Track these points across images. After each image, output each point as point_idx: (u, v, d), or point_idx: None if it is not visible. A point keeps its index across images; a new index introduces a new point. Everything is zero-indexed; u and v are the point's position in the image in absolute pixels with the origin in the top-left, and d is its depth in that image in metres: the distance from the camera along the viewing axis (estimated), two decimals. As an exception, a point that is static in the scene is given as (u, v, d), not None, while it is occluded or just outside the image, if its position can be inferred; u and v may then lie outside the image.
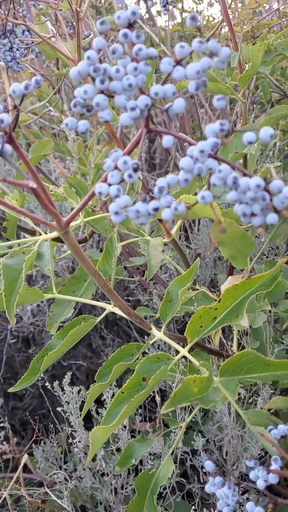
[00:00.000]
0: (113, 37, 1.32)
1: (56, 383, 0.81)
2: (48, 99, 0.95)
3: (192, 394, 0.39)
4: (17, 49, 0.88)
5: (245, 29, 0.88)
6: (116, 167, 0.31)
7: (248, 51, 0.72)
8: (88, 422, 1.05)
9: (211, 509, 0.77)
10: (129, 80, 0.30)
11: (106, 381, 0.52)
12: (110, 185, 0.32)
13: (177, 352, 0.53)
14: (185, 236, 1.29)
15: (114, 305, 0.55)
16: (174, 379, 0.61)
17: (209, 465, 0.44)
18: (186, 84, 0.88)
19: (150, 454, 0.82)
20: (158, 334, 0.55)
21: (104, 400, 0.81)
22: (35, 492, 0.86)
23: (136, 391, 0.46)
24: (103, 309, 0.79)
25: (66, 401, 0.79)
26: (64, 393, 0.79)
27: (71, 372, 0.84)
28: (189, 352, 0.53)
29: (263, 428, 0.43)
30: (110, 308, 0.57)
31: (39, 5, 0.96)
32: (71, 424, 0.83)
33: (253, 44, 0.72)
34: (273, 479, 0.39)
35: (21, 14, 0.78)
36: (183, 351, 0.51)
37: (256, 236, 1.02)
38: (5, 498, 0.83)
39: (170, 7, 1.15)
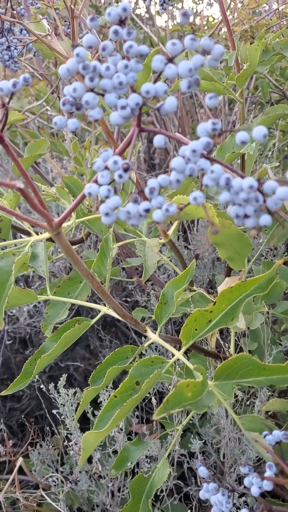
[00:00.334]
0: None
1: (51, 385, 0.80)
2: (45, 98, 0.95)
3: (185, 399, 0.38)
4: (15, 48, 0.87)
5: (242, 27, 0.87)
6: (106, 167, 0.31)
7: (246, 51, 0.71)
8: (85, 423, 1.04)
9: (208, 512, 0.76)
10: (120, 78, 0.30)
11: (100, 385, 0.51)
12: (100, 185, 0.31)
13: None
14: (183, 236, 1.28)
15: (109, 308, 0.55)
16: (171, 381, 0.60)
17: (203, 471, 0.44)
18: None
19: (146, 456, 0.81)
20: (153, 337, 0.54)
21: (101, 402, 0.80)
22: (30, 495, 0.85)
23: (129, 395, 0.45)
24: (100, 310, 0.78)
25: (61, 404, 0.79)
26: (60, 395, 0.78)
27: (67, 374, 0.83)
28: (185, 354, 0.52)
29: (257, 434, 0.42)
30: (104, 310, 0.56)
31: (37, 3, 0.96)
32: (67, 426, 0.83)
33: (251, 44, 0.71)
34: (267, 486, 0.38)
35: (16, 12, 0.77)
36: (178, 354, 0.50)
37: (254, 237, 1.01)
38: (0, 501, 0.82)
39: (170, 7, 1.14)
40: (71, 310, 1.18)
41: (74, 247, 0.94)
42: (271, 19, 1.14)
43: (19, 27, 0.93)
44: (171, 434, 0.79)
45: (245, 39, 1.08)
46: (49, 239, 0.70)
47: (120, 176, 0.30)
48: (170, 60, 0.30)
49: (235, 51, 0.73)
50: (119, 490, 0.86)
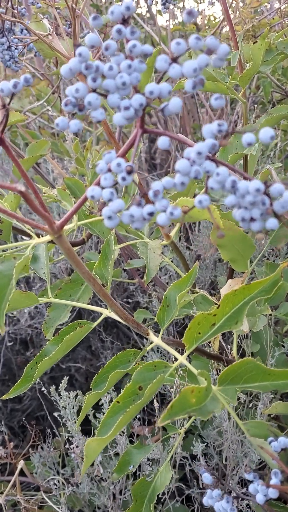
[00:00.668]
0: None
1: (52, 388, 0.79)
2: (46, 98, 0.94)
3: (190, 405, 0.37)
4: (16, 48, 0.86)
5: (245, 27, 0.86)
6: (109, 170, 0.30)
7: (249, 50, 0.70)
8: (86, 424, 1.03)
9: (210, 516, 0.75)
10: (123, 78, 0.29)
11: (102, 389, 0.50)
12: (103, 188, 0.30)
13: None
14: (185, 237, 1.27)
15: (111, 310, 0.54)
16: (173, 383, 0.60)
17: (207, 478, 0.43)
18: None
19: (148, 459, 0.81)
20: (155, 340, 0.54)
21: (102, 404, 0.80)
22: (31, 498, 0.85)
23: (132, 401, 0.45)
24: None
25: (63, 406, 0.78)
26: (61, 398, 0.78)
27: (68, 376, 0.83)
28: (187, 355, 0.51)
29: (262, 440, 0.42)
30: (106, 313, 0.56)
31: (37, 3, 0.95)
32: (68, 429, 0.82)
33: (254, 43, 0.71)
34: (272, 493, 0.37)
35: (17, 12, 0.77)
36: (181, 359, 0.50)
37: (260, 241, 1.01)
38: (1, 503, 0.82)
39: (171, 6, 1.14)
40: (72, 312, 1.18)
41: (75, 248, 0.93)
42: (273, 18, 1.13)
43: (19, 27, 0.92)
44: (173, 437, 0.79)
45: (247, 38, 1.07)
46: (50, 241, 0.70)
47: (124, 179, 0.29)
48: (174, 59, 0.30)
49: (238, 50, 0.72)
50: (120, 492, 0.86)
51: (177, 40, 0.29)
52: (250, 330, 0.73)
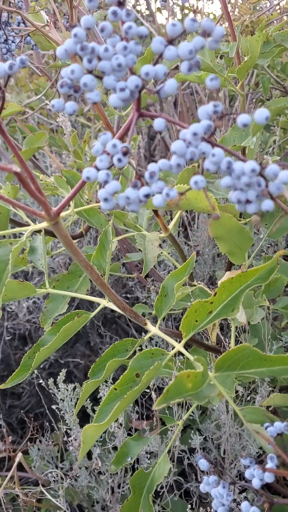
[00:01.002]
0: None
1: (51, 380, 0.79)
2: (45, 92, 0.94)
3: (185, 389, 0.37)
4: (12, 41, 0.86)
5: (244, 19, 0.86)
6: (105, 151, 0.30)
7: (247, 42, 0.71)
8: (85, 420, 1.03)
9: (208, 508, 0.76)
10: (119, 59, 0.29)
11: (100, 378, 0.50)
12: (98, 170, 0.30)
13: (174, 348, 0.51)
14: (184, 233, 1.28)
15: (109, 300, 0.54)
16: (171, 376, 0.60)
17: (203, 464, 0.43)
18: (185, 76, 0.86)
19: (146, 452, 0.81)
20: (153, 329, 0.54)
21: (100, 397, 0.80)
22: (30, 491, 0.85)
23: (130, 388, 0.45)
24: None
25: (61, 399, 0.78)
26: (59, 390, 0.78)
27: (67, 371, 0.83)
28: (185, 348, 0.52)
29: (259, 426, 0.42)
30: (104, 303, 0.56)
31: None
32: (67, 422, 0.82)
33: (252, 35, 0.71)
34: (268, 478, 0.37)
35: (14, 3, 0.77)
36: (178, 346, 0.50)
37: (254, 232, 1.01)
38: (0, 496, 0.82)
39: (171, 2, 1.14)
40: (70, 306, 1.18)
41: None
42: (271, 14, 1.13)
43: (17, 20, 0.92)
44: (171, 430, 0.79)
45: (245, 34, 1.07)
46: (48, 233, 0.70)
47: (119, 160, 0.29)
48: (170, 41, 0.30)
49: (235, 42, 0.72)
50: (119, 486, 0.86)
51: (172, 22, 0.29)
52: (248, 324, 0.73)
